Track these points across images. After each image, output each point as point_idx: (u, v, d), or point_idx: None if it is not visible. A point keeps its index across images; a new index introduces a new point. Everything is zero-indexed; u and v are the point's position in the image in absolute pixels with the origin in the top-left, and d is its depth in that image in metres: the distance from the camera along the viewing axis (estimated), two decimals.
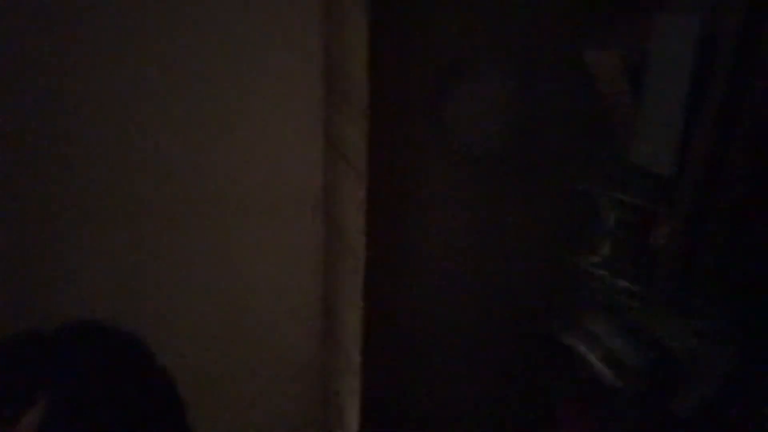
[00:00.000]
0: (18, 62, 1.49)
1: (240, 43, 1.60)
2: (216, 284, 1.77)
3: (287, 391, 1.93)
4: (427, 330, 1.61)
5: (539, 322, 1.60)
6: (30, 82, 1.51)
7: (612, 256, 1.44)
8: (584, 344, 1.48)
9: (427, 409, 1.67)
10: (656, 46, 1.29)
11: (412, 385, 1.65)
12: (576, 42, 1.44)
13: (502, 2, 1.43)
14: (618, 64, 1.37)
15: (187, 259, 1.73)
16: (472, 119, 1.48)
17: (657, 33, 1.29)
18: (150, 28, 1.55)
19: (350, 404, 1.69)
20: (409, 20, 1.37)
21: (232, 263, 1.77)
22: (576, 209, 1.52)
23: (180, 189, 1.67)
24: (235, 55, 1.61)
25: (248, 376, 1.87)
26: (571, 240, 1.53)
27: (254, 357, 1.87)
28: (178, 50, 1.58)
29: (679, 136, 1.26)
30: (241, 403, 1.89)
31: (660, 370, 1.29)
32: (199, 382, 1.76)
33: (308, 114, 1.69)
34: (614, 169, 1.42)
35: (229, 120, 1.65)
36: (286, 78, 1.65)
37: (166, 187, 1.66)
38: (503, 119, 1.48)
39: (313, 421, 1.98)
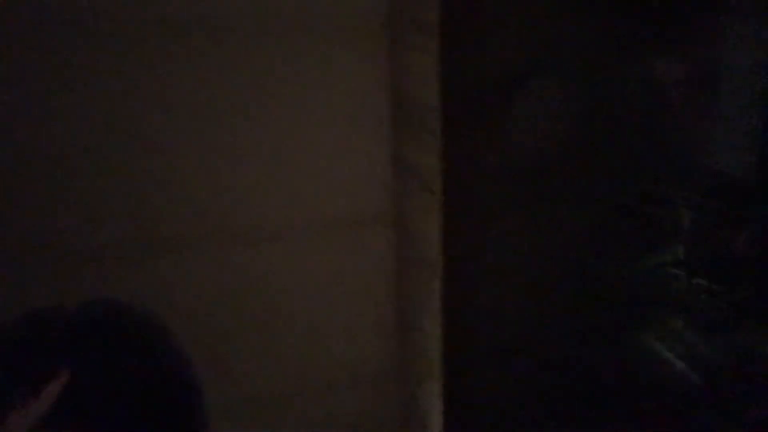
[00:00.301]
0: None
1: (305, 67, 1.64)
2: (290, 300, 1.83)
3: (362, 402, 1.98)
4: (505, 336, 1.65)
5: (616, 322, 1.63)
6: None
7: (691, 257, 1.45)
8: (664, 344, 1.50)
9: (510, 411, 1.72)
10: (730, 51, 1.28)
11: (494, 389, 1.69)
12: (643, 48, 1.43)
13: (563, 12, 1.43)
14: (687, 70, 1.37)
15: (260, 277, 1.79)
16: (540, 129, 1.50)
17: (730, 37, 1.28)
18: (217, 50, 1.59)
19: (432, 408, 1.75)
20: (475, 36, 1.39)
21: (308, 278, 1.83)
22: (653, 214, 1.53)
23: (251, 209, 1.73)
24: (300, 79, 1.64)
25: (322, 390, 1.92)
26: (646, 243, 1.55)
27: (328, 369, 1.93)
28: (243, 71, 1.61)
29: (758, 139, 1.26)
30: (317, 418, 1.94)
31: (742, 373, 1.30)
32: (276, 398, 1.85)
33: (376, 134, 1.72)
34: (692, 174, 1.42)
35: (299, 145, 1.70)
36: (353, 101, 1.69)
37: (237, 210, 1.72)
38: (572, 128, 1.49)
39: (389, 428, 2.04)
